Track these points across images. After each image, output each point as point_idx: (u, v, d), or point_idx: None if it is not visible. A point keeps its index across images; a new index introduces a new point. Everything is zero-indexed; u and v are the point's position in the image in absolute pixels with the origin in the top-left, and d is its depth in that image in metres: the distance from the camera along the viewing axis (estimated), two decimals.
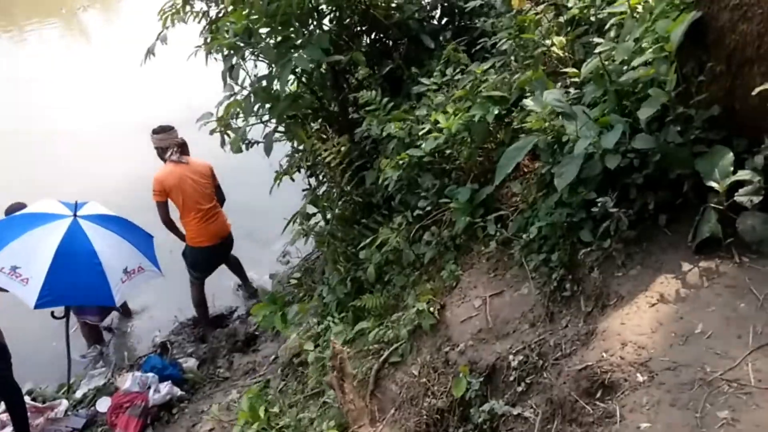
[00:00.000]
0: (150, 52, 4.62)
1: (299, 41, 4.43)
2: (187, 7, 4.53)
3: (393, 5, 4.78)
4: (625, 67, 2.96)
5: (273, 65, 4.38)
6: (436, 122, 3.36)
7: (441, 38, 4.79)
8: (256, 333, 6.27)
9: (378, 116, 3.95)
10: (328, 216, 4.80)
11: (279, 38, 4.50)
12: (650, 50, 2.81)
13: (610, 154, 2.58)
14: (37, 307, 4.82)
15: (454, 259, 3.35)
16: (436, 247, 3.42)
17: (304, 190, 5.47)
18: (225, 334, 6.43)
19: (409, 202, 3.81)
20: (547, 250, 2.90)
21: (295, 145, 4.87)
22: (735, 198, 2.41)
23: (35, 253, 4.93)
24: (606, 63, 2.98)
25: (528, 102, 2.90)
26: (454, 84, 3.79)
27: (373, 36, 4.90)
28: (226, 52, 4.54)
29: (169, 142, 5.78)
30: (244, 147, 4.69)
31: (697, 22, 2.64)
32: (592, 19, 3.67)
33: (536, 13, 3.60)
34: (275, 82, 4.33)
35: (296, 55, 4.21)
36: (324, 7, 4.74)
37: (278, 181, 5.04)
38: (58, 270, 4.87)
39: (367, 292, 3.92)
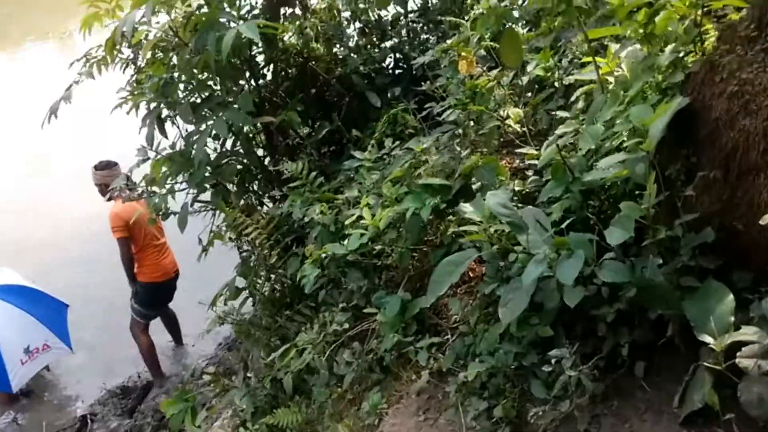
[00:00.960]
0: (53, 112, 3.92)
1: (223, 100, 3.80)
2: (114, 54, 3.83)
3: (335, 58, 4.15)
4: (592, 159, 2.33)
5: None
6: (361, 218, 2.70)
7: (389, 95, 4.16)
8: None
9: (303, 194, 3.29)
10: (256, 297, 4.12)
11: (201, 96, 3.87)
12: (623, 142, 2.19)
13: (569, 287, 1.93)
14: None
15: (379, 387, 2.67)
16: (359, 368, 2.73)
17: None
18: (152, 409, 5.74)
19: (336, 299, 3.14)
20: (490, 397, 2.22)
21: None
22: (736, 361, 1.75)
23: None
24: (568, 154, 2.35)
25: (465, 207, 2.24)
26: (392, 159, 3.14)
27: (313, 92, 4.25)
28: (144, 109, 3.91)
29: (113, 178, 5.16)
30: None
31: (684, 112, 2.01)
32: (557, 84, 3.07)
33: (488, 79, 2.97)
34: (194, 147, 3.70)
35: (215, 119, 3.57)
36: (259, 59, 4.12)
37: (204, 253, 4.35)
38: None
39: (285, 404, 3.22)
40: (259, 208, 3.95)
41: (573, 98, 2.72)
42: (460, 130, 3.06)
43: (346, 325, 2.80)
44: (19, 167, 10.24)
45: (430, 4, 4.64)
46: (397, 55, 4.45)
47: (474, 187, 2.69)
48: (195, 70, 3.70)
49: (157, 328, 6.42)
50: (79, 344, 7.07)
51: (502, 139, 3.25)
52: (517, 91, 3.32)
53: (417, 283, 2.82)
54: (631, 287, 1.94)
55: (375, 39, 4.37)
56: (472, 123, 3.07)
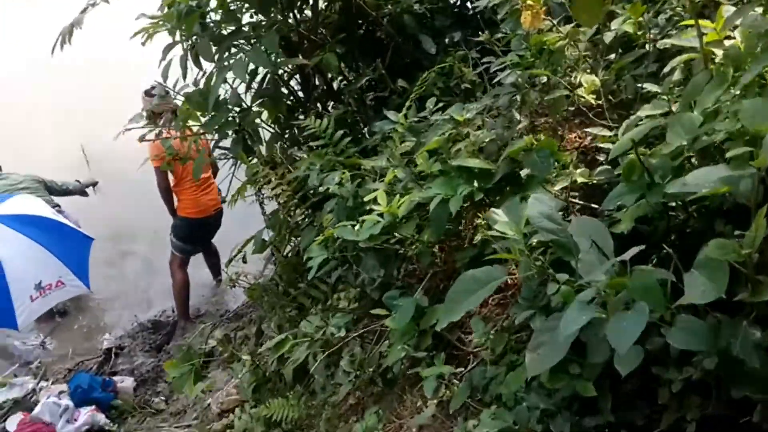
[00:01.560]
0: (64, 36, 3.50)
1: (249, 36, 3.30)
2: None
3: None
4: (681, 159, 1.73)
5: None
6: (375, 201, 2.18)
7: (447, 40, 3.55)
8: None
9: (325, 156, 2.78)
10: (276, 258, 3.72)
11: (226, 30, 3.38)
12: (727, 141, 1.58)
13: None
14: None
15: (378, 405, 2.22)
16: (357, 380, 2.28)
17: None
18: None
19: (351, 281, 2.69)
20: None
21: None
22: None
23: None
24: (648, 150, 1.75)
25: (497, 214, 1.69)
26: (434, 124, 2.58)
27: (360, 33, 3.68)
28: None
29: (163, 107, 5.07)
30: None
31: None
32: (648, 48, 2.41)
33: (559, 36, 2.34)
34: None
35: (233, 59, 3.08)
36: None
37: (231, 204, 3.93)
38: None
39: (284, 393, 2.83)
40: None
41: (668, 68, 2.10)
42: (519, 96, 2.46)
43: (343, 332, 2.33)
44: None
45: None
46: None
47: (523, 173, 2.13)
48: None
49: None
50: (122, 274, 7.04)
51: (572, 108, 2.64)
52: (597, 51, 2.68)
53: (441, 284, 2.32)
54: (712, 356, 1.39)
55: None
56: (535, 88, 2.47)
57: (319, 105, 3.56)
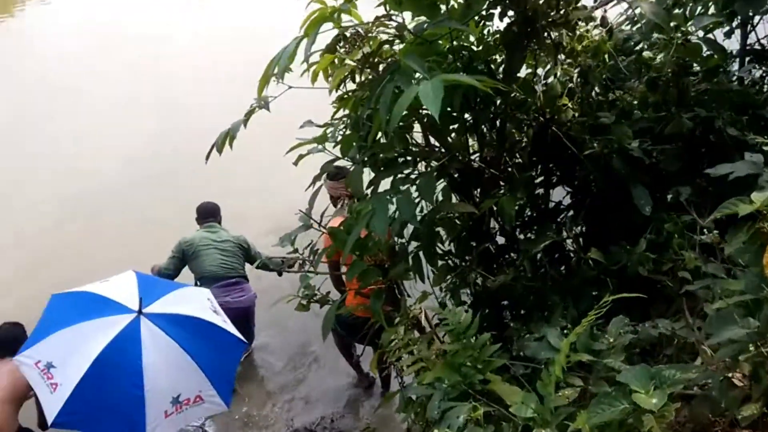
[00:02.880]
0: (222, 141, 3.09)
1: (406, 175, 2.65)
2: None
3: (593, 124, 2.69)
4: None
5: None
6: None
7: (671, 196, 2.58)
8: None
9: (453, 359, 2.00)
10: None
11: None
12: None
13: None
14: (53, 425, 3.77)
15: None
16: None
17: None
18: None
19: None
20: None
21: None
22: None
23: (75, 354, 3.81)
24: None
25: None
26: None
27: (554, 170, 2.86)
28: None
29: (341, 192, 4.92)
30: None
31: None
32: None
33: None
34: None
35: (375, 203, 2.44)
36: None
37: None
38: (89, 384, 3.72)
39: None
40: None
41: None
42: None
43: None
44: None
45: None
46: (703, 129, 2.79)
47: None
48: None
49: None
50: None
51: None
52: None
53: None
54: None
55: (666, 97, 2.76)
56: None
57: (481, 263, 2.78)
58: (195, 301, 4.36)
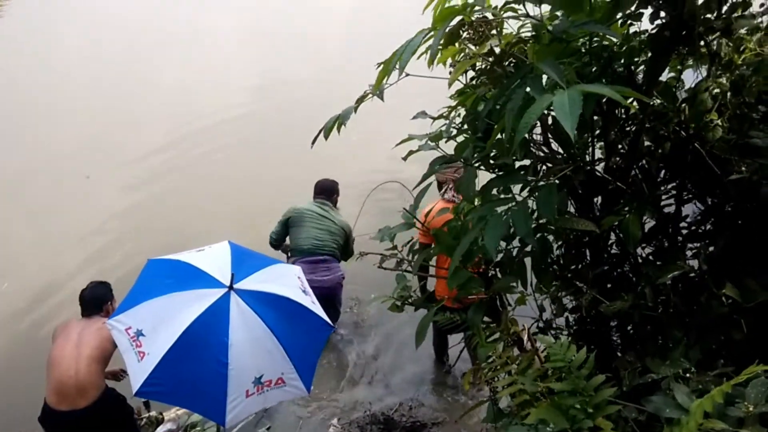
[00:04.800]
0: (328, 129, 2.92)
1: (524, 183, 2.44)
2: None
3: (742, 143, 2.39)
4: None
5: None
6: None
7: None
8: None
9: (569, 409, 1.81)
10: None
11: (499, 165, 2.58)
12: None
13: None
14: (137, 395, 3.82)
15: None
16: None
17: None
18: None
19: None
20: None
21: None
22: None
23: (166, 324, 3.85)
24: None
25: None
26: None
27: (684, 184, 2.58)
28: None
29: (448, 176, 4.87)
30: None
31: None
32: None
33: None
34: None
35: (491, 214, 2.24)
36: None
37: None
38: (175, 356, 3.74)
39: None
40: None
41: None
42: None
43: None
44: None
45: None
46: None
47: None
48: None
49: None
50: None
51: None
52: None
53: None
54: None
55: None
56: None
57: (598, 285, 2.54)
58: (286, 279, 4.32)
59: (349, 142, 7.99)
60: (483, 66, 2.64)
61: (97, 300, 4.93)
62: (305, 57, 13.60)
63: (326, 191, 6.38)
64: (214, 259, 4.26)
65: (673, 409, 1.67)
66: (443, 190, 5.05)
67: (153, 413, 5.44)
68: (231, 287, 4.02)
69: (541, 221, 2.58)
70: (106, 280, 5.14)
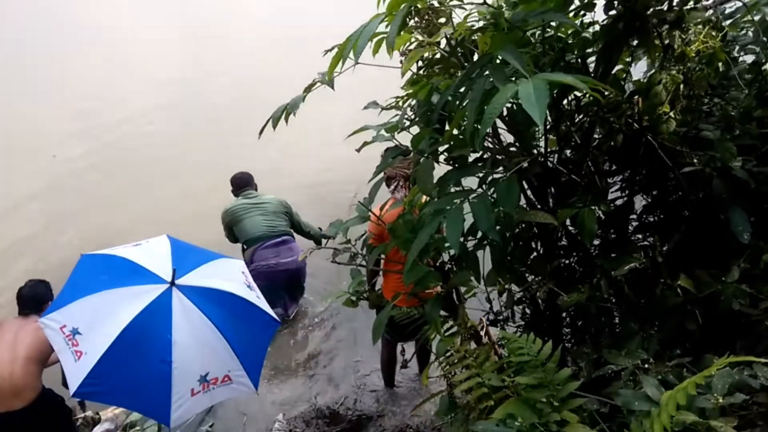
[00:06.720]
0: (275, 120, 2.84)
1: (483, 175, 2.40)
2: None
3: (694, 138, 2.42)
4: None
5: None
6: None
7: None
8: None
9: (527, 394, 1.79)
10: None
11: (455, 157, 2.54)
12: None
13: None
14: (75, 395, 3.63)
15: None
16: None
17: None
18: None
19: None
20: None
21: None
22: None
23: (104, 322, 3.67)
24: None
25: None
26: None
27: (641, 181, 2.61)
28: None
29: (397, 171, 4.48)
30: None
31: None
32: None
33: None
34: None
35: (448, 206, 2.20)
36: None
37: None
38: (115, 355, 3.57)
39: None
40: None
41: None
42: None
43: None
44: None
45: None
46: None
47: None
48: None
49: None
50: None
51: None
52: None
53: None
54: None
55: None
56: None
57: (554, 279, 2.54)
58: (229, 274, 4.19)
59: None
60: (432, 56, 2.60)
61: (36, 299, 4.70)
62: (225, 58, 13.38)
63: (247, 182, 6.43)
64: (153, 254, 4.09)
65: (642, 401, 1.67)
66: (393, 186, 4.71)
67: (89, 413, 5.23)
68: (173, 283, 3.86)
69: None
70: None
